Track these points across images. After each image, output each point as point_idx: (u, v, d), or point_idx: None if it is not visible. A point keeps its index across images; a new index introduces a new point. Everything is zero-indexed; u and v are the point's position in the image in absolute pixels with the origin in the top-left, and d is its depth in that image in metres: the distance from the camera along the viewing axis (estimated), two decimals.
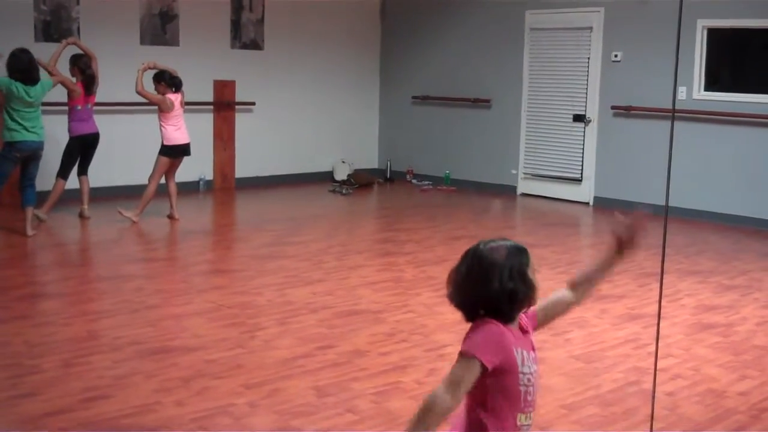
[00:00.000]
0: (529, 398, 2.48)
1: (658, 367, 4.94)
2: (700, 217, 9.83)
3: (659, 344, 5.38)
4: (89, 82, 8.78)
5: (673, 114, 3.07)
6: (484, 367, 2.37)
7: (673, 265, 7.62)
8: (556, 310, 2.73)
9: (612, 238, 2.75)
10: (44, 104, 8.31)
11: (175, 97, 8.94)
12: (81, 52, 8.91)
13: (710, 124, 9.83)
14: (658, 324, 3.63)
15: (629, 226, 2.74)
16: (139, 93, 8.76)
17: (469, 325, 2.50)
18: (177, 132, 8.97)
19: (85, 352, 5.02)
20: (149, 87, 8.93)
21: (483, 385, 2.40)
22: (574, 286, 2.74)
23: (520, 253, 2.50)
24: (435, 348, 5.24)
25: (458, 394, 2.38)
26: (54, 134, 8.85)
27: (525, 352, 2.47)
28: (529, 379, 2.46)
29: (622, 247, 2.75)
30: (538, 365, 2.53)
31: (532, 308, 2.57)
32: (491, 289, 2.43)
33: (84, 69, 8.74)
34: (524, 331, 2.53)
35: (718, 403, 4.48)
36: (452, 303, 2.53)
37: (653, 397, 3.57)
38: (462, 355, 2.40)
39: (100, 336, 5.38)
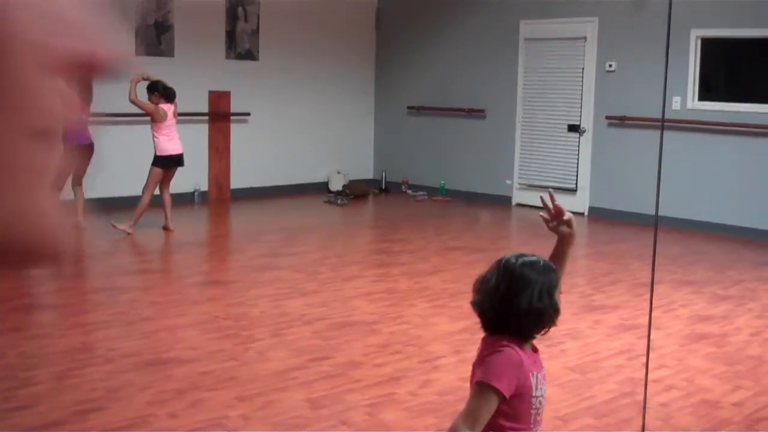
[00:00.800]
0: (538, 418, 2.47)
1: (651, 378, 4.95)
2: (694, 226, 9.85)
3: (653, 355, 5.39)
4: (88, 94, 8.75)
5: (662, 124, 3.08)
6: (501, 396, 2.36)
7: (667, 275, 7.62)
8: None
9: (547, 225, 2.75)
10: None
11: (167, 108, 8.96)
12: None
13: (704, 134, 9.85)
14: (649, 335, 3.63)
15: (551, 213, 2.74)
16: (132, 102, 8.79)
17: (476, 336, 2.50)
18: (170, 142, 8.98)
19: (80, 364, 5.01)
20: (143, 98, 8.95)
21: (497, 409, 2.39)
22: None
23: (549, 272, 2.47)
24: (429, 359, 5.23)
25: (478, 426, 2.36)
26: None
27: (538, 375, 2.46)
28: (540, 402, 2.45)
29: (559, 232, 2.74)
30: (546, 383, 2.52)
31: None
32: (520, 307, 2.41)
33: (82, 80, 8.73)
34: (535, 349, 2.53)
35: (712, 414, 4.49)
36: (475, 311, 2.50)
37: (644, 408, 3.57)
38: (480, 385, 2.38)
39: (94, 348, 5.37)
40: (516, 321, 2.42)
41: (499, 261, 2.52)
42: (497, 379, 2.36)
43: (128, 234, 8.81)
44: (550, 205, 2.73)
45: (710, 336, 5.88)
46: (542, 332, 2.50)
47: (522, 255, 2.53)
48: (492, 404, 2.36)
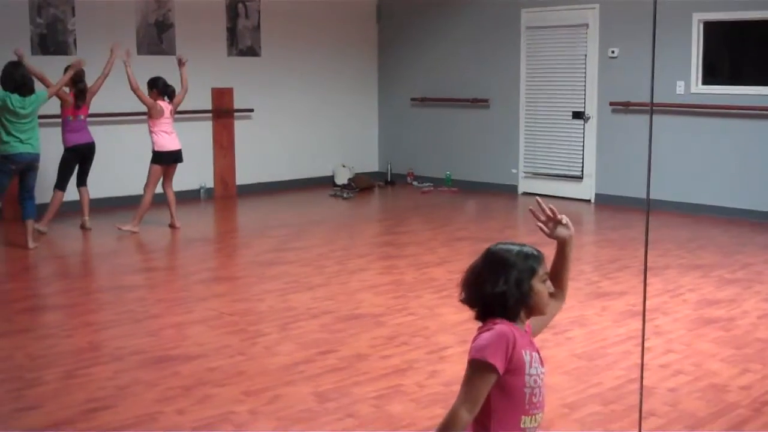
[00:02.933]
0: (534, 400, 2.46)
1: (659, 363, 4.95)
2: (701, 211, 9.82)
3: (660, 340, 5.39)
4: (80, 94, 8.76)
5: (651, 108, 3.09)
6: (496, 372, 2.36)
7: (675, 260, 7.61)
8: (545, 320, 2.74)
9: (543, 233, 2.79)
10: (39, 116, 8.27)
11: (165, 105, 8.96)
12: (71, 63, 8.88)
13: (709, 118, 9.81)
14: (644, 320, 3.62)
15: (546, 217, 2.76)
16: (134, 90, 8.80)
17: (477, 326, 2.52)
18: (167, 138, 8.98)
19: (87, 363, 5.02)
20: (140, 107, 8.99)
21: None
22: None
23: (527, 258, 2.51)
24: (436, 350, 5.23)
25: (476, 407, 2.37)
26: (50, 146, 8.84)
27: (533, 354, 2.47)
28: (535, 381, 2.45)
29: (557, 236, 2.76)
30: (544, 367, 2.52)
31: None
32: (485, 291, 2.47)
33: (76, 81, 8.72)
34: (527, 333, 2.54)
35: (720, 398, 4.48)
36: (459, 299, 2.57)
37: (641, 394, 3.56)
38: (473, 362, 2.39)
39: (101, 347, 5.39)
40: (490, 302, 2.47)
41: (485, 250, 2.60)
42: (490, 355, 2.37)
43: (134, 233, 8.82)
44: (541, 212, 2.76)
45: (718, 320, 5.86)
46: (525, 314, 2.52)
47: (503, 243, 2.58)
48: (487, 381, 2.37)
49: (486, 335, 2.42)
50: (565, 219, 2.74)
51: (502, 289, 2.45)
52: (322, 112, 12.46)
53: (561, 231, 2.75)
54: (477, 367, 2.37)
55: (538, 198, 2.87)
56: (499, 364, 2.36)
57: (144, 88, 8.94)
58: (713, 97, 9.74)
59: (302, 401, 4.42)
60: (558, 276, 2.76)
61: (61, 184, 8.84)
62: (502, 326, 2.43)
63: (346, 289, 6.72)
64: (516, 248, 2.52)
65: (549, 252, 2.74)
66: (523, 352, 2.43)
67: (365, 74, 12.99)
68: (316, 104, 12.38)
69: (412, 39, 12.57)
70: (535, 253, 2.53)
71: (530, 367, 2.44)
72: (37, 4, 9.79)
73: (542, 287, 2.51)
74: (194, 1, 10.98)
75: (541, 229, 2.77)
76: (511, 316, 2.48)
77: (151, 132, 8.98)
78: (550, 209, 2.75)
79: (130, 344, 5.36)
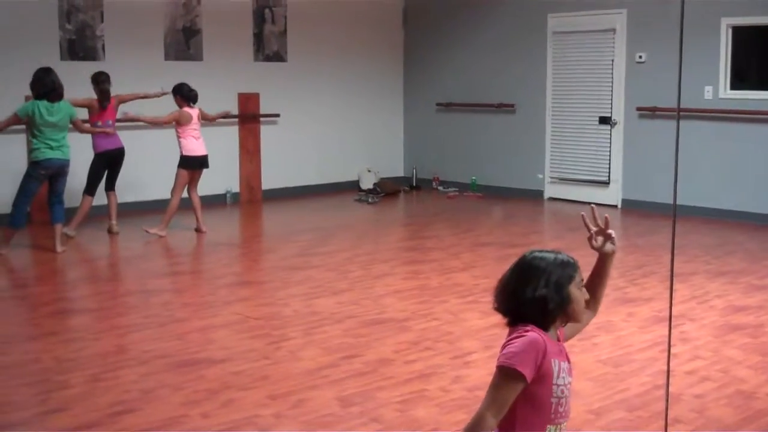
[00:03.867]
0: (560, 409, 2.45)
1: (685, 370, 4.91)
2: (728, 216, 9.74)
3: (687, 347, 5.35)
4: (102, 95, 8.82)
5: (678, 114, 3.05)
6: (524, 380, 2.35)
7: (702, 266, 7.55)
8: (578, 327, 2.73)
9: (591, 244, 2.77)
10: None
11: (192, 111, 9.03)
12: (102, 70, 8.99)
13: (737, 123, 9.74)
14: (670, 324, 3.59)
15: (597, 227, 2.74)
16: (161, 125, 9.03)
17: (506, 332, 2.51)
18: (195, 143, 9.06)
19: (113, 366, 5.06)
20: (164, 111, 9.10)
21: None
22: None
23: (564, 265, 2.50)
24: (460, 355, 5.22)
25: (502, 412, 2.36)
26: (81, 151, 8.92)
27: (562, 363, 2.45)
28: (562, 391, 2.43)
29: (603, 250, 2.74)
30: (572, 377, 2.51)
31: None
32: (525, 296, 2.45)
33: (99, 81, 8.80)
34: (559, 339, 2.53)
35: (748, 405, 4.43)
36: (494, 306, 2.56)
37: (666, 400, 3.53)
38: (501, 369, 2.38)
39: (127, 350, 5.42)
40: (524, 309, 2.45)
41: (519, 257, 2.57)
42: (520, 363, 2.36)
43: (161, 237, 8.88)
44: (593, 222, 2.72)
45: (745, 326, 5.80)
46: (559, 322, 2.51)
47: (539, 250, 2.56)
48: (514, 388, 2.35)
49: (517, 342, 2.40)
50: (613, 233, 2.72)
51: (542, 293, 2.44)
52: (347, 117, 12.49)
53: (608, 246, 2.74)
54: (505, 373, 2.36)
55: (593, 206, 2.82)
56: (528, 373, 2.34)
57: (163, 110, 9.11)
58: (741, 102, 9.66)
59: (326, 405, 4.43)
60: (594, 289, 2.74)
61: (90, 190, 8.92)
62: (533, 333, 2.41)
63: (371, 293, 6.73)
64: (552, 255, 2.52)
65: (578, 257, 2.73)
66: (552, 361, 2.41)
67: (391, 79, 13.00)
68: (341, 109, 12.41)
69: (438, 43, 12.57)
70: (571, 260, 2.53)
71: (558, 377, 2.42)
72: (66, 10, 9.89)
73: (579, 294, 2.50)
74: (221, 6, 11.05)
75: (590, 240, 2.75)
76: (548, 322, 2.47)
77: (179, 137, 9.05)
78: (605, 221, 2.72)
79: (155, 348, 5.39)
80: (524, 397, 2.38)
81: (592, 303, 2.72)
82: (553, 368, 2.41)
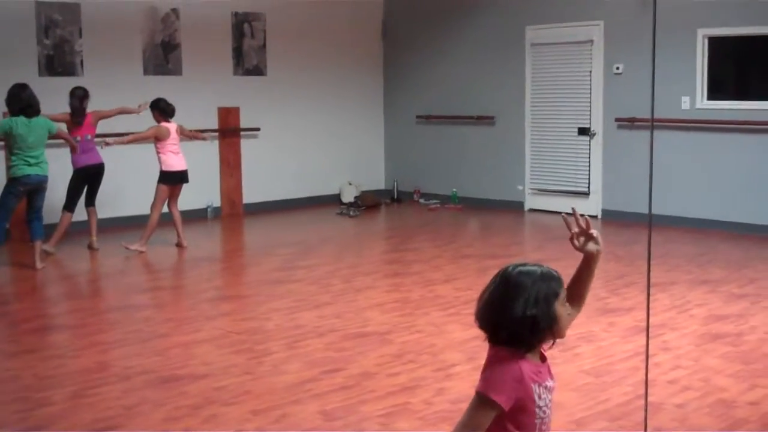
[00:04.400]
0: (544, 428, 2.45)
1: (667, 379, 4.94)
2: (708, 226, 9.80)
3: (668, 356, 5.37)
4: (74, 112, 8.79)
5: (651, 124, 3.10)
6: (500, 408, 2.34)
7: (683, 275, 7.60)
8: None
9: (573, 244, 2.71)
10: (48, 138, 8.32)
11: (170, 126, 9.02)
12: (79, 85, 8.98)
13: (715, 133, 9.82)
14: (647, 334, 3.61)
15: (579, 228, 2.69)
16: (133, 141, 9.02)
17: (484, 344, 2.47)
18: (174, 158, 9.05)
19: (95, 383, 5.03)
20: (142, 126, 9.10)
21: (498, 421, 2.37)
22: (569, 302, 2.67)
23: (549, 280, 2.43)
24: (443, 368, 5.22)
25: None
26: (60, 167, 8.88)
27: (542, 387, 2.42)
28: (544, 411, 2.43)
29: (586, 250, 2.68)
30: (552, 393, 2.48)
31: None
32: (513, 315, 2.37)
33: (72, 98, 8.77)
34: (543, 358, 2.49)
35: (729, 414, 4.46)
36: (476, 323, 2.48)
37: (646, 410, 3.55)
38: (478, 395, 2.36)
39: (109, 366, 5.39)
40: (512, 329, 2.38)
41: (499, 272, 2.49)
42: (496, 392, 2.34)
43: (141, 252, 8.84)
44: (574, 223, 2.67)
45: (726, 335, 5.84)
46: (545, 342, 2.46)
47: (523, 264, 2.48)
48: (489, 415, 2.35)
49: (495, 371, 2.38)
50: (595, 233, 2.68)
51: (533, 313, 2.36)
52: (328, 130, 12.49)
53: (591, 246, 2.68)
54: (481, 399, 2.36)
55: (574, 207, 2.79)
56: (503, 401, 2.33)
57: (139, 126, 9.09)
58: (719, 113, 9.75)
59: (309, 420, 4.42)
60: (579, 288, 2.67)
61: (69, 206, 8.87)
62: (512, 363, 2.37)
63: (353, 307, 6.72)
64: (537, 269, 2.44)
65: (558, 268, 2.73)
66: (532, 386, 2.39)
67: (371, 92, 13.03)
68: (322, 122, 12.41)
69: (417, 56, 12.62)
70: (555, 273, 2.46)
71: (539, 399, 2.41)
72: (44, 26, 9.86)
73: (563, 311, 2.44)
74: (200, 21, 11.04)
75: (572, 240, 2.70)
76: (537, 342, 2.42)
77: (158, 153, 9.03)
78: (585, 221, 2.69)
79: (137, 364, 5.37)
80: (508, 422, 2.37)
81: (577, 301, 2.65)
82: (534, 393, 2.39)
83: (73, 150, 8.79)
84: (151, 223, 8.96)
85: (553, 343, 2.49)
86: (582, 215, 2.71)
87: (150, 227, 8.96)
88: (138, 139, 9.09)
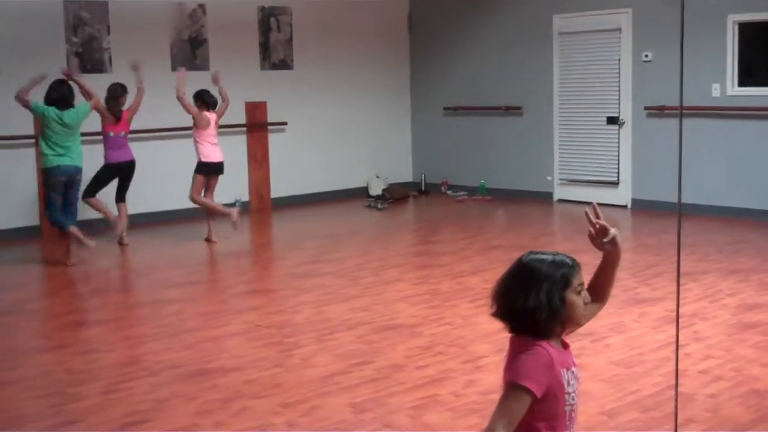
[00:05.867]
0: (573, 415, 2.44)
1: (698, 369, 4.90)
2: (739, 214, 9.70)
3: (700, 346, 5.33)
4: (112, 107, 8.83)
5: (681, 111, 3.05)
6: (533, 396, 2.33)
7: (713, 264, 7.53)
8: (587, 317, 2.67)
9: (592, 243, 2.68)
10: (81, 133, 8.38)
11: (210, 116, 9.09)
12: (119, 82, 9.00)
13: (746, 120, 9.71)
14: (677, 324, 3.58)
15: (598, 226, 2.66)
16: (179, 98, 8.91)
17: (509, 338, 2.47)
18: (212, 149, 9.11)
19: (126, 377, 5.07)
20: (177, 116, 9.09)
21: (530, 410, 2.35)
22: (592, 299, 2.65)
23: (561, 267, 2.41)
24: (472, 359, 5.22)
25: (512, 425, 2.33)
26: (93, 162, 8.93)
27: (569, 372, 2.42)
28: (573, 398, 2.42)
29: (604, 249, 2.66)
30: (578, 381, 2.47)
31: None
32: (527, 303, 2.37)
33: (110, 96, 8.81)
34: (565, 345, 2.49)
35: (762, 404, 4.41)
36: (491, 312, 2.48)
37: (676, 401, 3.52)
38: (510, 385, 2.35)
39: (140, 361, 5.43)
40: (526, 316, 2.38)
41: (516, 260, 2.49)
42: (528, 380, 2.33)
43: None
44: (594, 221, 2.66)
45: (758, 324, 5.78)
46: (557, 330, 2.44)
47: (536, 252, 2.48)
48: (524, 403, 2.33)
49: (525, 358, 2.36)
50: (612, 234, 2.63)
51: (532, 304, 2.37)
52: (355, 124, 12.50)
53: (608, 247, 2.65)
54: (513, 389, 2.34)
55: (595, 204, 2.75)
56: (535, 388, 2.32)
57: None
58: (750, 99, 9.63)
59: (339, 412, 4.43)
60: (600, 286, 2.67)
61: (89, 193, 8.87)
62: (540, 349, 2.37)
63: (382, 299, 6.73)
64: (549, 258, 2.43)
65: (588, 259, 2.71)
66: (561, 371, 2.39)
67: (398, 84, 13.01)
68: (349, 115, 12.42)
69: (443, 48, 12.58)
70: (569, 262, 2.44)
71: (568, 385, 2.40)
72: (72, 24, 9.94)
73: (576, 298, 2.41)
74: (227, 16, 11.08)
75: (590, 236, 2.67)
76: (543, 333, 2.41)
77: (196, 142, 9.10)
78: (601, 225, 2.65)
79: (168, 358, 5.41)
80: (540, 410, 2.36)
81: (599, 298, 2.65)
82: (563, 379, 2.39)
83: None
84: (206, 205, 9.11)
85: (570, 331, 2.49)
86: (598, 223, 2.66)
87: (211, 209, 9.11)
88: (185, 102, 9.02)
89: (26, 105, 8.03)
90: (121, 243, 9.15)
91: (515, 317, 2.41)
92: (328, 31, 12.04)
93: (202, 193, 9.19)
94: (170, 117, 9.27)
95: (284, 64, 11.75)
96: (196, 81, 9.89)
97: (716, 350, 5.27)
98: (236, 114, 11.15)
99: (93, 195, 8.94)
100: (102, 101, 8.68)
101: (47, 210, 8.22)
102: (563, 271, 2.41)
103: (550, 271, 2.40)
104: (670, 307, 6.19)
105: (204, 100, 9.12)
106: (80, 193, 8.46)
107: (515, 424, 2.34)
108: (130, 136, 9.17)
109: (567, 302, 2.41)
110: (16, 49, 9.51)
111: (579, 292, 2.44)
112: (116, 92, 8.84)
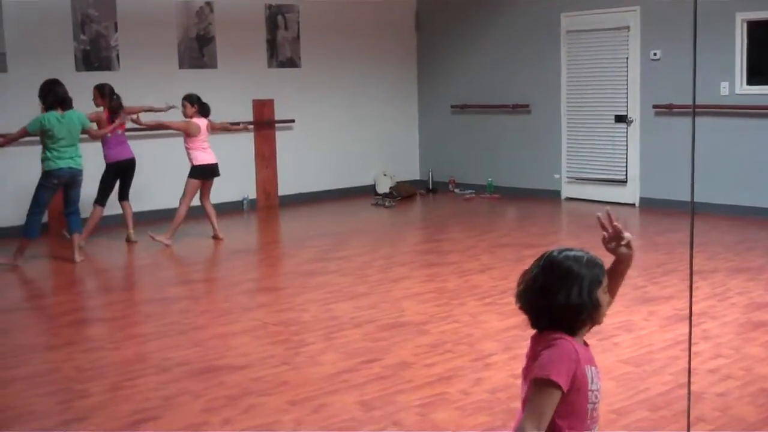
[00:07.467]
0: (595, 414, 2.42)
1: (707, 368, 4.88)
2: (748, 213, 9.66)
3: (708, 345, 5.30)
4: (115, 110, 8.83)
5: (693, 110, 3.05)
6: (561, 390, 2.32)
7: (723, 263, 7.49)
8: None
9: (605, 246, 2.68)
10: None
11: (201, 122, 9.03)
12: (105, 82, 9.01)
13: (754, 119, 9.66)
14: (690, 322, 3.56)
15: (612, 229, 2.65)
16: (161, 125, 9.02)
17: (528, 333, 2.47)
18: (204, 153, 9.06)
19: (133, 374, 5.06)
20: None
21: None
22: None
23: (594, 267, 2.43)
24: (480, 357, 5.20)
25: (543, 423, 2.32)
26: (90, 162, 8.92)
27: (593, 369, 2.42)
28: (596, 396, 2.41)
29: (617, 253, 2.66)
30: (600, 380, 2.47)
31: None
32: (560, 301, 2.38)
33: (111, 97, 8.82)
34: (585, 344, 2.49)
35: None
36: (518, 305, 2.48)
37: (689, 399, 3.50)
38: (537, 381, 2.34)
39: (147, 358, 5.42)
40: (557, 315, 2.39)
41: (543, 255, 2.49)
42: (555, 373, 2.32)
43: (166, 246, 8.84)
44: (608, 226, 2.65)
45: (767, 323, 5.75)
46: (586, 328, 2.46)
47: (566, 249, 2.48)
48: (554, 399, 2.31)
49: (550, 353, 2.36)
50: (627, 238, 2.64)
51: (577, 301, 2.37)
52: (362, 122, 12.49)
53: (623, 249, 2.65)
54: (541, 385, 2.33)
55: (608, 209, 2.75)
56: (563, 382, 2.31)
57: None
58: (758, 98, 9.59)
59: (347, 410, 4.42)
60: (609, 289, 2.62)
61: (101, 200, 8.90)
62: (564, 342, 2.37)
63: (389, 297, 6.71)
64: (583, 256, 2.44)
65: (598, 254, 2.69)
66: (586, 368, 2.38)
67: (405, 82, 13.00)
68: (356, 113, 12.41)
69: (451, 46, 12.56)
70: (600, 262, 2.46)
71: (592, 383, 2.39)
72: (80, 21, 9.94)
73: (605, 298, 2.45)
74: (234, 14, 11.08)
75: (603, 239, 2.67)
76: (578, 329, 2.42)
77: (187, 149, 9.05)
78: (615, 227, 2.64)
79: (175, 355, 5.40)
80: (563, 407, 2.35)
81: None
82: (588, 375, 2.38)
83: (111, 131, 8.78)
84: (178, 216, 8.98)
85: (589, 328, 2.49)
86: (613, 223, 2.65)
87: (177, 220, 8.97)
88: (166, 125, 9.07)
89: (23, 136, 8.12)
90: (129, 240, 9.15)
91: (553, 314, 2.40)
92: (336, 29, 12.03)
93: (199, 198, 9.15)
94: (177, 114, 9.26)
95: (291, 62, 11.74)
96: (204, 80, 9.91)
97: (725, 349, 5.24)
98: (244, 112, 11.15)
99: (104, 201, 8.92)
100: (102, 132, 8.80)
101: (32, 208, 8.16)
102: (597, 271, 2.44)
103: (587, 269, 2.42)
104: (679, 305, 6.17)
105: (199, 105, 9.08)
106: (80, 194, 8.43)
107: (545, 423, 2.31)
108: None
109: (600, 302, 2.44)
110: (25, 48, 9.52)
111: (606, 293, 2.46)
112: (114, 95, 8.84)
